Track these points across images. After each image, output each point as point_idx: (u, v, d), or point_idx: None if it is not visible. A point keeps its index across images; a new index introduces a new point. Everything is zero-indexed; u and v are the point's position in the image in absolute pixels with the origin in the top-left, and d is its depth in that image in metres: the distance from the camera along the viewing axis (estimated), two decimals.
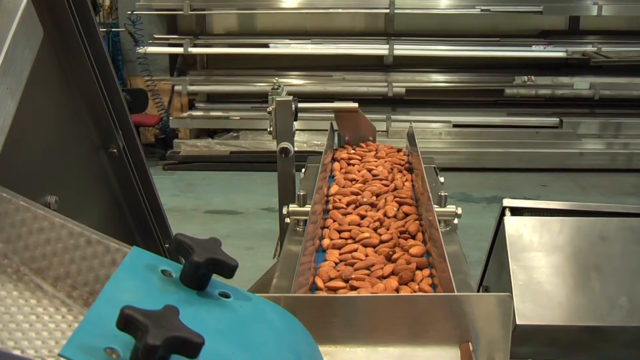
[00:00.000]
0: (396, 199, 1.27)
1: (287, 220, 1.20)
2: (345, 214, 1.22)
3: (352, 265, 1.01)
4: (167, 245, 1.09)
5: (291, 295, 0.78)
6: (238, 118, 5.19)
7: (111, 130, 1.03)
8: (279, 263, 1.05)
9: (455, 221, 1.18)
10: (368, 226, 1.16)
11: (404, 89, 5.10)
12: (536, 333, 0.88)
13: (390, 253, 1.04)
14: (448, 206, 1.18)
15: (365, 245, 1.09)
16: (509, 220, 1.23)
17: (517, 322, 1.02)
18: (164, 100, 5.29)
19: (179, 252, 0.45)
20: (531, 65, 5.18)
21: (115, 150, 1.05)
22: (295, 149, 1.59)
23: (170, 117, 5.20)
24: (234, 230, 3.57)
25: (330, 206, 1.27)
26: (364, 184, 1.38)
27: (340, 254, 1.07)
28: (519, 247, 1.15)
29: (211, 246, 0.46)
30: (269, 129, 1.58)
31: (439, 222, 1.09)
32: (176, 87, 5.25)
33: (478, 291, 1.30)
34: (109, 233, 0.49)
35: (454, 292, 0.80)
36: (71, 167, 0.97)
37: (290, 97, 1.56)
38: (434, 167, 1.54)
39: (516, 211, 1.27)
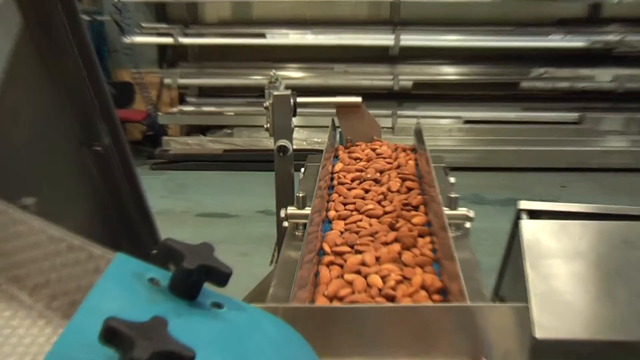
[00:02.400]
0: (400, 175, 1.38)
1: (285, 224, 1.21)
2: (350, 189, 1.34)
3: (357, 233, 1.12)
4: (155, 251, 1.09)
5: (290, 306, 0.77)
6: (232, 114, 5.19)
7: (96, 127, 1.03)
8: (277, 270, 1.05)
9: (467, 225, 1.18)
10: (372, 199, 1.27)
11: (411, 83, 5.10)
12: (556, 347, 0.88)
13: (394, 222, 1.15)
14: (459, 209, 1.18)
15: (369, 216, 1.20)
16: (526, 224, 1.23)
17: (536, 336, 1.02)
18: (152, 95, 5.30)
19: (168, 259, 0.45)
20: (549, 57, 5.18)
21: (99, 148, 1.05)
22: (294, 147, 1.60)
23: (159, 113, 5.20)
24: (228, 234, 3.57)
25: (335, 182, 1.39)
26: (368, 162, 1.49)
27: (346, 224, 1.17)
28: (537, 253, 1.15)
29: (203, 252, 0.45)
30: (265, 126, 1.59)
31: (449, 225, 1.09)
32: (165, 80, 5.26)
33: (493, 301, 1.30)
34: (92, 238, 0.49)
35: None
36: (51, 166, 0.97)
37: (289, 91, 1.56)
38: (444, 167, 1.54)
39: (533, 214, 1.27)
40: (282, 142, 1.55)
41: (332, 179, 1.43)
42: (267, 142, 4.78)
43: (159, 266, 0.48)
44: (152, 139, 5.21)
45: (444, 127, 4.97)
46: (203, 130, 5.31)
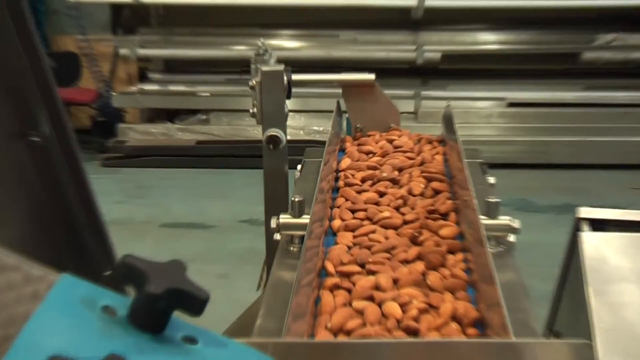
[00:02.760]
0: (424, 173, 1.38)
1: (277, 236, 1.21)
2: (359, 192, 1.33)
3: (369, 248, 1.12)
4: (110, 272, 1.09)
5: (283, 341, 0.78)
6: (208, 95, 5.20)
7: (32, 111, 1.04)
8: (265, 296, 1.05)
9: (512, 238, 1.18)
10: (388, 205, 1.27)
11: (439, 55, 5.11)
12: None
13: (416, 235, 1.15)
14: (501, 217, 1.18)
15: (385, 227, 1.20)
16: (588, 237, 1.23)
17: None
18: (103, 69, 5.31)
19: (128, 280, 0.46)
20: (619, 19, 5.18)
21: (37, 139, 1.05)
22: (289, 137, 1.60)
23: (113, 93, 5.22)
24: (203, 250, 3.58)
25: (341, 183, 1.39)
26: (384, 157, 1.49)
27: (355, 237, 1.17)
28: (602, 275, 1.15)
29: (172, 272, 0.46)
30: (251, 111, 1.59)
31: (488, 239, 1.09)
32: (121, 51, 5.27)
33: (545, 337, 1.30)
34: (29, 254, 0.50)
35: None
36: None
37: (282, 66, 1.56)
38: (481, 163, 1.55)
39: (597, 225, 1.27)
40: (273, 131, 1.55)
41: (337, 179, 1.43)
42: (254, 132, 4.80)
43: (115, 290, 0.48)
44: (104, 127, 5.23)
45: (481, 111, 4.98)
46: (170, 115, 5.33)
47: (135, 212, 4.09)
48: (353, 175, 1.41)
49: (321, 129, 4.79)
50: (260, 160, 1.61)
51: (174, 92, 5.31)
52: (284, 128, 1.57)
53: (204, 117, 5.22)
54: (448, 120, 1.62)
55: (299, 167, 1.57)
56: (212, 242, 3.69)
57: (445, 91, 5.11)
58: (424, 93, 5.08)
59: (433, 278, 1.05)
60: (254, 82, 1.56)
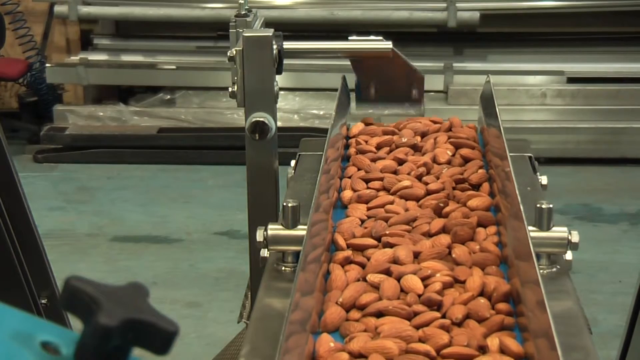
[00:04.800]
0: (451, 139, 1.49)
1: (264, 253, 1.22)
2: (374, 160, 1.43)
3: (385, 221, 1.21)
4: (44, 301, 1.09)
5: None
6: (174, 67, 5.19)
7: None
8: (249, 331, 1.06)
9: (568, 256, 1.19)
10: (409, 174, 1.37)
11: (477, 14, 5.09)
12: None
13: (441, 205, 1.25)
14: (555, 229, 1.19)
15: (404, 198, 1.30)
16: None
17: None
18: (35, 33, 5.30)
19: (74, 309, 0.46)
20: None
21: None
22: (279, 124, 1.61)
23: (48, 65, 5.21)
24: (166, 271, 3.57)
25: (352, 150, 1.50)
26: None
27: (369, 209, 1.27)
28: None
29: (130, 299, 0.46)
30: (230, 89, 1.59)
31: (538, 257, 1.10)
32: (57, 9, 5.25)
33: None
34: None
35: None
36: None
37: (270, 31, 1.56)
38: (530, 157, 1.56)
39: None
40: (259, 116, 1.55)
41: (347, 147, 1.54)
42: (233, 117, 4.78)
43: (56, 322, 0.47)
44: (35, 110, 5.22)
45: (532, 89, 4.96)
46: (123, 95, 5.32)
47: (77, 221, 4.08)
48: (367, 141, 1.51)
49: (321, 112, 4.77)
50: (241, 154, 1.60)
51: (127, 64, 5.26)
52: (273, 112, 1.57)
53: (168, 96, 5.20)
54: (488, 101, 1.62)
55: (292, 162, 1.57)
56: (179, 261, 3.66)
57: (485, 62, 5.09)
58: (457, 65, 5.05)
59: (459, 251, 1.13)
60: (234, 51, 1.55)
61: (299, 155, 1.60)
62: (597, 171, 4.60)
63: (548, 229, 1.18)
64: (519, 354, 0.96)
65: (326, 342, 0.98)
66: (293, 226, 1.20)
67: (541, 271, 1.01)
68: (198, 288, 3.37)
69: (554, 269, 1.18)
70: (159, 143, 4.92)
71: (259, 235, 1.21)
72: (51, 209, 4.14)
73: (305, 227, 1.13)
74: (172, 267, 3.62)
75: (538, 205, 1.19)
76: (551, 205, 1.19)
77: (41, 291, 1.11)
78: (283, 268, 1.20)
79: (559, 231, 1.19)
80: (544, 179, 1.47)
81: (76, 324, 0.50)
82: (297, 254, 1.16)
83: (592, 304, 1.14)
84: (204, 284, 3.40)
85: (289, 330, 0.90)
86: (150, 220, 4.09)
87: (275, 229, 1.20)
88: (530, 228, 1.13)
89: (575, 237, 1.18)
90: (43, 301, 1.08)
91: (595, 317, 1.10)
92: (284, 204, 1.21)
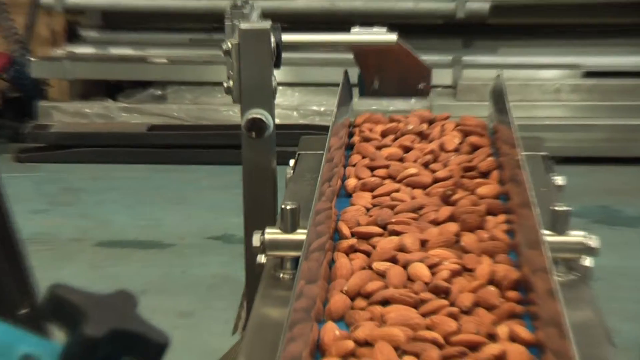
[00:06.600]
0: (459, 126, 1.54)
1: (261, 259, 1.22)
2: (379, 147, 1.49)
3: (391, 209, 1.26)
4: (25, 311, 1.09)
5: None
6: (165, 61, 5.20)
7: None
8: (245, 342, 1.06)
9: (587, 262, 1.18)
10: (415, 162, 1.42)
11: (487, 5, 5.08)
12: None
13: (449, 193, 1.29)
14: (572, 233, 1.18)
15: (411, 185, 1.35)
16: None
17: None
18: (17, 24, 5.29)
19: (58, 319, 0.47)
20: None
21: None
22: (277, 121, 1.61)
23: (31, 58, 5.21)
24: (157, 278, 3.56)
25: (356, 138, 1.56)
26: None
27: (374, 197, 1.32)
28: None
29: (118, 308, 0.47)
30: (225, 84, 1.60)
31: (556, 263, 1.10)
32: None
33: None
34: None
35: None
36: None
37: (268, 23, 1.58)
38: (544, 156, 1.56)
39: None
40: (256, 113, 1.56)
41: (350, 135, 1.59)
42: (229, 114, 4.81)
43: (38, 334, 0.49)
44: (18, 106, 5.23)
45: (546, 84, 4.97)
46: (111, 90, 5.33)
47: (62, 225, 4.07)
48: (371, 129, 1.57)
49: (322, 109, 4.77)
50: (237, 153, 1.61)
51: (116, 58, 5.27)
52: (270, 108, 1.58)
53: (159, 92, 5.21)
54: (499, 97, 1.63)
55: (291, 162, 1.58)
56: (170, 267, 3.66)
57: (496, 56, 5.08)
58: (466, 59, 5.03)
59: (468, 239, 1.17)
60: (230, 44, 1.57)
61: (299, 154, 1.61)
62: (615, 171, 4.61)
63: (565, 233, 1.18)
64: (529, 342, 0.98)
65: (331, 329, 1.00)
66: (292, 230, 1.20)
67: (558, 279, 1.01)
68: (191, 296, 3.37)
69: (572, 276, 1.17)
70: (150, 142, 4.92)
71: (256, 240, 1.20)
72: (34, 211, 4.13)
73: (305, 231, 1.14)
74: (163, 273, 3.61)
75: (553, 208, 1.19)
76: (568, 208, 1.19)
77: (22, 300, 1.12)
78: (281, 275, 1.20)
79: (576, 235, 1.18)
80: (559, 180, 1.46)
81: (59, 335, 0.50)
82: (296, 260, 1.15)
83: (611, 313, 1.13)
84: (197, 291, 3.40)
85: (294, 318, 0.92)
86: (139, 224, 4.09)
87: (273, 233, 1.20)
88: (546, 232, 1.13)
89: (594, 242, 1.17)
90: (24, 311, 1.09)
91: (615, 327, 1.09)
92: (283, 206, 1.21)
